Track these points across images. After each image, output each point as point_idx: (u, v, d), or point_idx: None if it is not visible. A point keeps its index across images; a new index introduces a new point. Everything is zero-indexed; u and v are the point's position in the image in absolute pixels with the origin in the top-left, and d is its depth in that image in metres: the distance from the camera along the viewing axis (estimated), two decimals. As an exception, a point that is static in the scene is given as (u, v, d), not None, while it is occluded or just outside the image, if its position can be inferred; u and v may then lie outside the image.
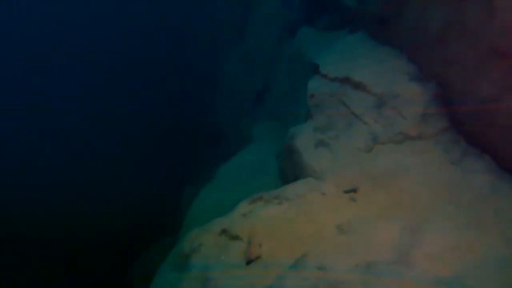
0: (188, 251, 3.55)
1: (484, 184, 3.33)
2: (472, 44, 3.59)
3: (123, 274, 5.65)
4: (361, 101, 4.99)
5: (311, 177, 4.42)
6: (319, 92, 5.23)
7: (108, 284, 5.46)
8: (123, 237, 6.17)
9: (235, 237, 3.54)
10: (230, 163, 6.14)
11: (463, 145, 4.02)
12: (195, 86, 10.53)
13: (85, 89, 13.39)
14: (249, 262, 3.23)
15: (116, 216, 6.68)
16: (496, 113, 3.39)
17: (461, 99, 3.94)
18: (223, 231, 3.64)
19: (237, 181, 5.64)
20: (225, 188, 5.50)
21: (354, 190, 3.94)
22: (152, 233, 6.18)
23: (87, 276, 5.83)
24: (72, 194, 7.99)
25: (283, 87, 6.90)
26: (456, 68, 3.90)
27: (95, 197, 7.60)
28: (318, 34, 6.29)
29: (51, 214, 7.34)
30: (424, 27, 4.24)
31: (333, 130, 4.95)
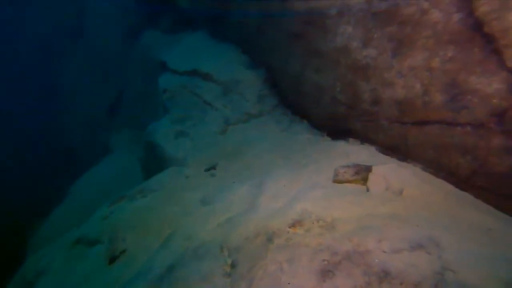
0: (32, 276, 3.06)
1: (304, 140, 4.28)
2: (280, 31, 4.52)
3: None
4: (211, 90, 5.51)
5: (174, 166, 4.59)
6: (171, 87, 5.45)
7: None
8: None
9: (94, 242, 3.30)
10: (84, 179, 5.56)
11: (290, 116, 5.00)
12: (34, 103, 8.83)
13: None
14: (112, 259, 3.08)
15: None
16: (302, 85, 4.39)
17: (281, 78, 4.90)
18: (78, 241, 3.33)
19: (97, 195, 5.20)
20: (80, 206, 4.98)
21: (213, 167, 4.34)
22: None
23: None
24: None
25: (137, 91, 6.77)
26: (274, 52, 4.82)
27: None
28: (162, 35, 6.51)
29: None
30: (246, 21, 5.06)
31: (190, 119, 5.26)
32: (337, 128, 4.03)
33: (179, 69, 5.51)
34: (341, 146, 3.89)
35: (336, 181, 3.15)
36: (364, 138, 3.61)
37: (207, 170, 4.31)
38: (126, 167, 5.83)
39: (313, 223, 2.60)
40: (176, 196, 3.86)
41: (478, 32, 2.05)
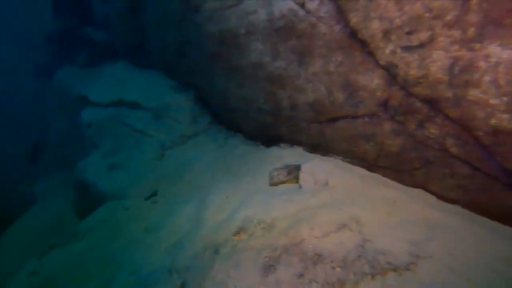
0: None
1: (241, 152, 4.48)
2: (201, 52, 4.70)
3: None
4: (141, 117, 5.42)
5: (111, 200, 4.38)
6: (96, 120, 5.23)
7: None
8: None
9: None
10: (4, 238, 4.86)
11: (225, 131, 5.19)
12: None
13: None
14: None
15: None
16: (230, 101, 4.61)
17: (210, 96, 5.07)
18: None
19: (24, 254, 4.59)
20: (4, 268, 4.37)
21: (154, 194, 4.26)
22: None
23: None
24: None
25: (60, 131, 6.29)
26: (198, 73, 4.99)
27: None
28: (80, 70, 6.22)
29: None
30: (166, 47, 5.16)
31: (123, 150, 5.09)
32: (268, 136, 4.31)
33: (103, 102, 5.33)
34: (275, 151, 4.16)
35: (273, 184, 3.38)
36: (292, 141, 3.94)
37: (148, 198, 4.21)
38: (57, 215, 5.29)
39: (255, 226, 2.76)
40: (116, 232, 3.69)
41: (355, 39, 2.49)
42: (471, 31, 1.74)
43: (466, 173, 2.07)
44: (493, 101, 1.71)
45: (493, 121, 1.75)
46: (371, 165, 2.84)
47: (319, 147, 3.51)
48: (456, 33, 1.81)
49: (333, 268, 2.02)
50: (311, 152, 3.67)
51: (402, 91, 2.30)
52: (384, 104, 2.49)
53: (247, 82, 4.17)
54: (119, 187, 4.41)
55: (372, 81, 2.49)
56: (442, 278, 1.78)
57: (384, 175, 2.76)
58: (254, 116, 4.36)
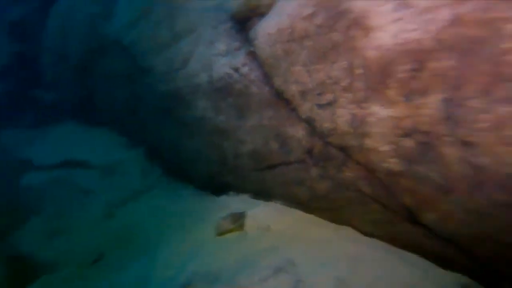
0: None
1: (191, 203, 4.52)
2: (150, 110, 4.91)
3: None
4: (90, 176, 5.31)
5: (50, 272, 4.04)
6: (39, 184, 5.00)
7: None
8: None
9: None
10: None
11: (176, 184, 5.20)
12: None
13: None
14: None
15: None
16: (180, 153, 4.77)
17: (161, 150, 5.19)
18: None
19: None
20: None
21: (99, 258, 4.05)
22: None
23: None
24: None
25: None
26: (149, 128, 5.15)
27: None
28: (26, 132, 6.07)
29: None
30: (116, 105, 5.33)
31: (67, 213, 4.84)
32: (217, 185, 4.45)
33: (48, 164, 5.18)
34: (223, 200, 4.29)
35: (219, 233, 3.46)
36: (239, 189, 4.11)
37: (93, 262, 3.98)
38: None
39: (200, 280, 2.77)
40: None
41: (281, 98, 2.89)
42: (360, 94, 2.18)
43: (377, 209, 2.38)
44: (382, 148, 2.10)
45: (386, 165, 2.12)
46: (306, 207, 3.09)
47: (262, 193, 3.72)
48: (350, 95, 2.24)
49: (269, 312, 2.10)
50: (255, 198, 3.85)
51: (321, 141, 2.66)
52: (310, 152, 2.83)
53: (196, 135, 4.41)
54: (59, 256, 4.12)
55: (297, 132, 2.85)
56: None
57: (319, 216, 3.01)
58: (202, 166, 4.53)
